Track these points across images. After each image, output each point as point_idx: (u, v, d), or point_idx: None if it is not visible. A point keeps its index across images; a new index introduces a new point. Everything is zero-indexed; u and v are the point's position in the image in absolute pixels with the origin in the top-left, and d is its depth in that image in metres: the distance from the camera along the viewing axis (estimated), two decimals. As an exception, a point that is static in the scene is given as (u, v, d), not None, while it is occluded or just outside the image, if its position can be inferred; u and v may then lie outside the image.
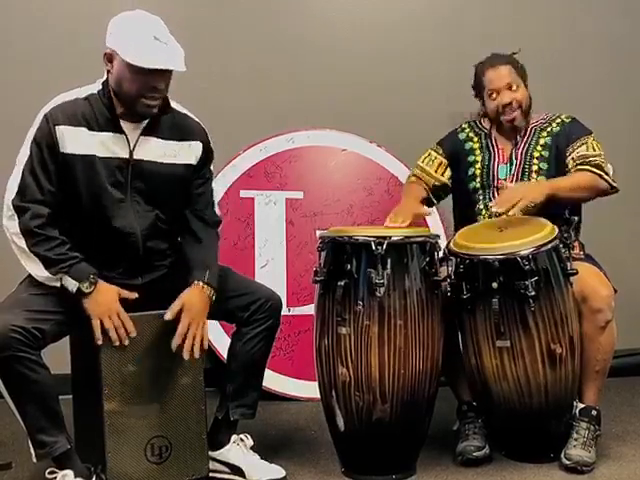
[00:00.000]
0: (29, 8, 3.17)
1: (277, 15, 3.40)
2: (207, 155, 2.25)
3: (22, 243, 2.01)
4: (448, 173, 2.70)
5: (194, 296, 2.12)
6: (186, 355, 2.07)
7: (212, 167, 2.31)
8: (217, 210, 2.32)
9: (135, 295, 2.09)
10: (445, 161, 2.70)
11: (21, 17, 3.17)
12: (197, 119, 2.25)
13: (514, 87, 2.56)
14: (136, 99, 2.04)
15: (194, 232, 2.25)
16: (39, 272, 2.02)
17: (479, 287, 2.25)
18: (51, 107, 2.06)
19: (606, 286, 2.35)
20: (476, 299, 2.26)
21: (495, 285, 2.21)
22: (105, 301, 2.02)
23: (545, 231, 2.27)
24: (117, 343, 2.03)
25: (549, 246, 2.24)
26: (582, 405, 2.38)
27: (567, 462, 2.28)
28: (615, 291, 2.37)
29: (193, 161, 2.22)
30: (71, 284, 2.00)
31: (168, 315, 2.08)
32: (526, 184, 2.52)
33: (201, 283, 2.13)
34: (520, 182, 2.55)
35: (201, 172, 2.25)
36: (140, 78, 2.01)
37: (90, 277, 2.02)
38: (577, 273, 2.27)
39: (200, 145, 2.22)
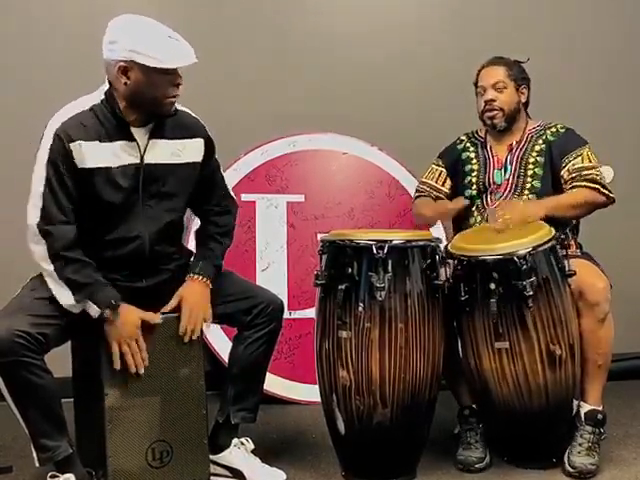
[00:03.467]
0: (28, 8, 3.18)
1: (278, 18, 3.40)
2: (210, 148, 2.27)
3: (50, 267, 2.01)
4: (449, 183, 2.74)
5: (189, 287, 2.18)
6: (186, 338, 2.14)
7: (217, 156, 2.32)
8: (232, 193, 2.38)
9: (159, 318, 2.11)
10: (445, 171, 2.74)
11: (20, 18, 3.17)
12: (194, 114, 2.26)
13: (500, 88, 2.59)
14: (162, 100, 2.07)
15: (204, 236, 2.30)
16: (65, 299, 2.02)
17: (477, 288, 2.25)
18: (59, 123, 2.04)
19: (602, 279, 2.35)
20: (474, 301, 2.26)
21: (493, 286, 2.21)
22: (125, 326, 2.04)
23: (542, 232, 2.28)
24: (133, 370, 2.05)
25: (546, 246, 2.24)
26: (587, 408, 2.37)
27: (571, 470, 2.27)
28: (611, 286, 2.37)
29: (198, 159, 2.23)
30: (94, 310, 2.02)
31: (165, 308, 2.15)
32: (524, 203, 2.51)
33: (194, 275, 2.20)
34: (516, 200, 2.54)
35: (207, 165, 2.27)
36: (167, 79, 2.04)
37: (112, 303, 2.03)
38: (575, 274, 2.27)
39: (202, 142, 2.23)
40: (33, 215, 2.02)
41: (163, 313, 2.15)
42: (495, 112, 2.60)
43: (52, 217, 2.01)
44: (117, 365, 2.04)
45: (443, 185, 2.73)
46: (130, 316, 2.06)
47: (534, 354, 2.23)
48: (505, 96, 2.60)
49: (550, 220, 2.39)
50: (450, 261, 2.30)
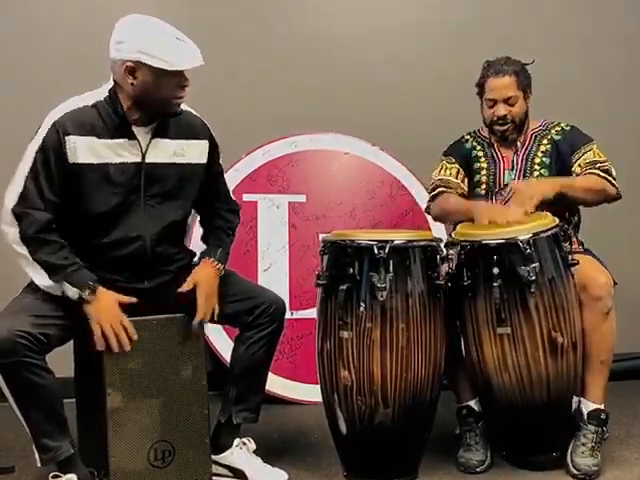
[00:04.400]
0: (28, 8, 3.18)
1: (280, 20, 3.40)
2: (214, 151, 2.27)
3: (23, 250, 2.01)
4: (466, 181, 2.67)
5: (204, 271, 2.20)
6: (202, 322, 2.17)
7: (221, 160, 2.33)
8: (232, 197, 2.39)
9: (134, 300, 2.10)
10: (461, 169, 2.68)
11: (20, 18, 3.18)
12: (199, 115, 2.26)
13: (511, 101, 2.55)
14: (169, 101, 2.07)
15: (214, 227, 2.32)
16: (41, 280, 2.02)
17: (480, 273, 2.24)
18: (59, 115, 2.04)
19: (604, 274, 2.36)
20: (477, 285, 2.25)
21: (496, 270, 2.20)
22: (105, 307, 2.03)
23: (546, 220, 2.30)
24: (116, 350, 2.03)
25: (549, 232, 2.25)
26: (590, 407, 2.36)
27: (575, 472, 2.27)
28: (615, 283, 2.37)
29: (203, 160, 2.23)
30: (71, 291, 2.01)
31: (182, 288, 2.16)
32: (537, 180, 2.52)
33: (211, 259, 2.21)
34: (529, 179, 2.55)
35: (213, 169, 2.28)
36: (174, 80, 2.04)
37: (90, 284, 2.02)
38: (578, 263, 2.28)
39: (206, 143, 2.24)
40: (11, 199, 2.01)
41: (167, 313, 2.15)
42: (507, 126, 2.57)
43: (29, 202, 2.00)
44: (100, 346, 2.02)
45: (463, 182, 2.66)
46: (109, 297, 2.05)
47: (535, 340, 2.22)
48: (516, 108, 2.56)
49: (554, 214, 2.38)
50: (452, 252, 2.28)
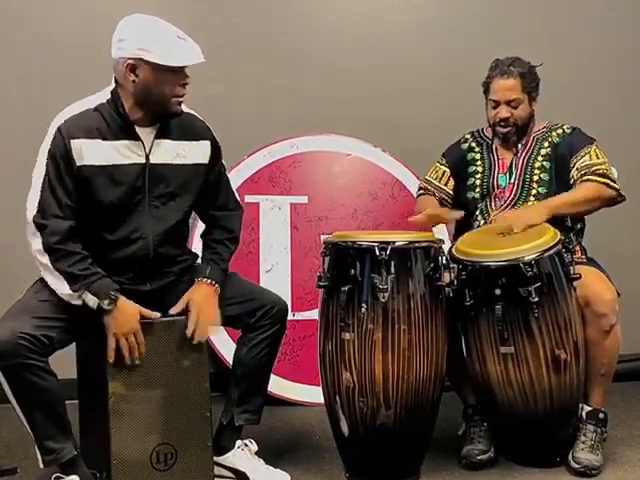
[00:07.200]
0: (29, 9, 3.18)
1: (281, 21, 3.40)
2: (216, 152, 2.27)
3: (45, 260, 2.01)
4: (452, 183, 2.70)
5: (196, 291, 2.17)
6: (194, 341, 2.13)
7: (223, 161, 2.33)
8: (237, 197, 2.39)
9: (157, 314, 2.11)
10: (448, 171, 2.70)
11: (21, 21, 3.18)
12: (200, 117, 2.27)
13: (514, 103, 2.53)
14: (169, 99, 2.08)
15: (212, 240, 2.30)
16: (62, 289, 2.02)
17: (482, 293, 2.24)
18: (63, 120, 2.05)
19: (609, 290, 2.34)
20: (479, 306, 2.26)
21: (498, 292, 2.21)
22: (124, 320, 2.04)
23: (547, 236, 2.26)
24: (129, 362, 2.04)
25: (552, 251, 2.23)
26: (589, 408, 2.38)
27: (576, 466, 2.28)
28: (618, 294, 2.36)
29: (204, 160, 2.24)
30: (91, 300, 2.01)
31: (173, 310, 2.15)
32: (524, 210, 2.49)
33: (202, 278, 2.19)
34: (516, 209, 2.53)
35: (215, 169, 2.28)
36: (174, 78, 2.05)
37: (111, 294, 2.02)
38: (580, 277, 2.26)
39: (208, 144, 2.24)
40: (31, 209, 2.03)
41: (170, 315, 2.15)
42: (509, 129, 2.56)
43: (48, 211, 2.02)
44: (111, 358, 2.03)
45: (446, 185, 2.70)
46: (130, 309, 2.05)
47: (539, 359, 2.23)
48: (519, 111, 2.54)
49: (555, 223, 2.37)
50: (454, 265, 2.28)
